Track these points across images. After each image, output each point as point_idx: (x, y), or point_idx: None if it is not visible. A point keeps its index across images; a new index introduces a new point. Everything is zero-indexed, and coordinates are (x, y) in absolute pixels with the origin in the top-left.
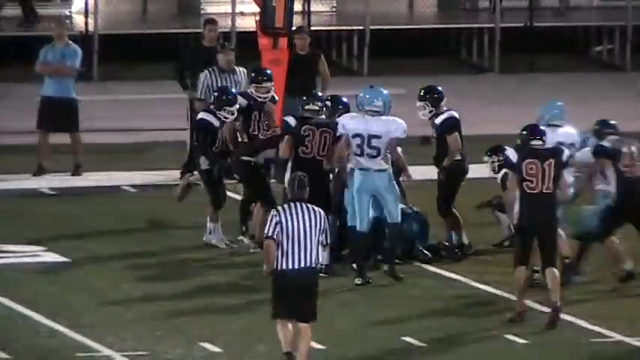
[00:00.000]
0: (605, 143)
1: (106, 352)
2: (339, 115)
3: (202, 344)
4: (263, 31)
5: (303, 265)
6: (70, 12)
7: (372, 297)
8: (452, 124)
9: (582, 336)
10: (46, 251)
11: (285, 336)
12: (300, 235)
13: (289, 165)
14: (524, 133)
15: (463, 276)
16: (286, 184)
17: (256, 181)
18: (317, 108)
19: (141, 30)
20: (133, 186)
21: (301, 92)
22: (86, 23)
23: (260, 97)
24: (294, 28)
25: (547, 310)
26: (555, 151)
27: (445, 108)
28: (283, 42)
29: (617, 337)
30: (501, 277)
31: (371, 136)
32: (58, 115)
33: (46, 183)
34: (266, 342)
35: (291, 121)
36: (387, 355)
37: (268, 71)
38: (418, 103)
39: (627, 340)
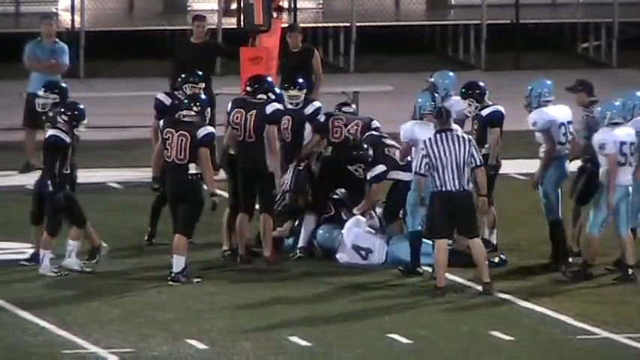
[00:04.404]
0: None
1: (92, 349)
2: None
3: (188, 341)
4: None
5: (455, 186)
6: (57, 9)
7: (356, 294)
8: (498, 118)
9: (569, 333)
10: (32, 248)
11: (439, 259)
12: (447, 160)
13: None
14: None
15: (450, 272)
16: (434, 116)
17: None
18: (194, 113)
19: (127, 27)
20: (120, 183)
21: None
22: (72, 20)
23: (291, 104)
24: (285, 26)
25: (532, 305)
26: (261, 104)
27: (490, 102)
28: (265, 40)
29: (604, 334)
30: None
31: None
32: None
33: (32, 180)
34: (251, 339)
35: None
36: (372, 353)
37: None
38: (463, 101)
39: (614, 337)
